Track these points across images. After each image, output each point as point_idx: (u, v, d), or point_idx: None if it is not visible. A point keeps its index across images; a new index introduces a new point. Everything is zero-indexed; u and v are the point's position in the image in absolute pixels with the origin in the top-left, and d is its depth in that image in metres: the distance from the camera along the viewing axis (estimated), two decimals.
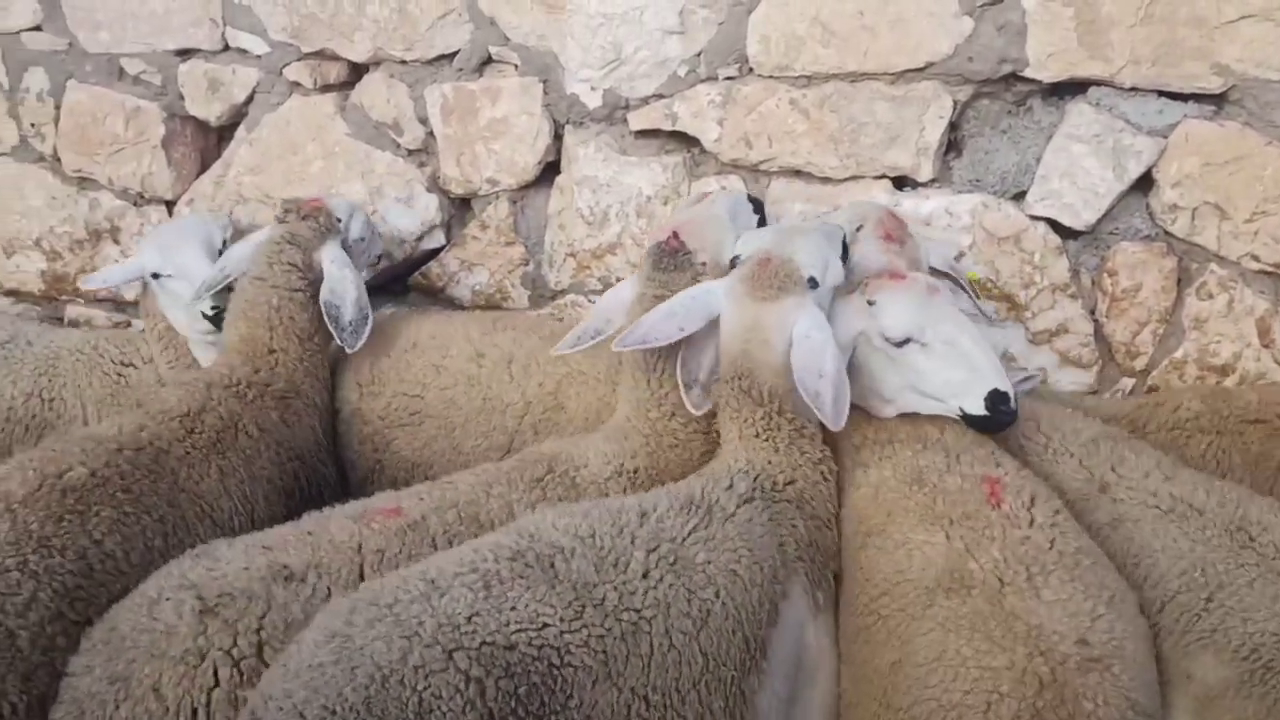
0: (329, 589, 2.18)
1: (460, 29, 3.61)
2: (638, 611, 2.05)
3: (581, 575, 2.05)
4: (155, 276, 3.37)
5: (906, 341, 2.52)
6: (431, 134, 3.76)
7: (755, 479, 2.43)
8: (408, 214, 3.82)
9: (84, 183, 4.20)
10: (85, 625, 2.21)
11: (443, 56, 3.67)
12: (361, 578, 2.22)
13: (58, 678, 2.13)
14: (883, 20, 3.19)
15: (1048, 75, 3.12)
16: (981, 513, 2.37)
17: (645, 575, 2.12)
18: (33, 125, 4.17)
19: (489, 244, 3.78)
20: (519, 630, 1.90)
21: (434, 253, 3.89)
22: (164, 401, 2.88)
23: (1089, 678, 2.12)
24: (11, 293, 4.40)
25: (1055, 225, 3.25)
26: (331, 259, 3.18)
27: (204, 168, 4.14)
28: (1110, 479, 2.68)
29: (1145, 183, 3.17)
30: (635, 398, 2.75)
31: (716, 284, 2.60)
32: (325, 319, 3.11)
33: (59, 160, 4.19)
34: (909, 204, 3.33)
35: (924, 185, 3.34)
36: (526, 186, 3.73)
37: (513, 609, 1.93)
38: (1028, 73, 3.13)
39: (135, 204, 4.14)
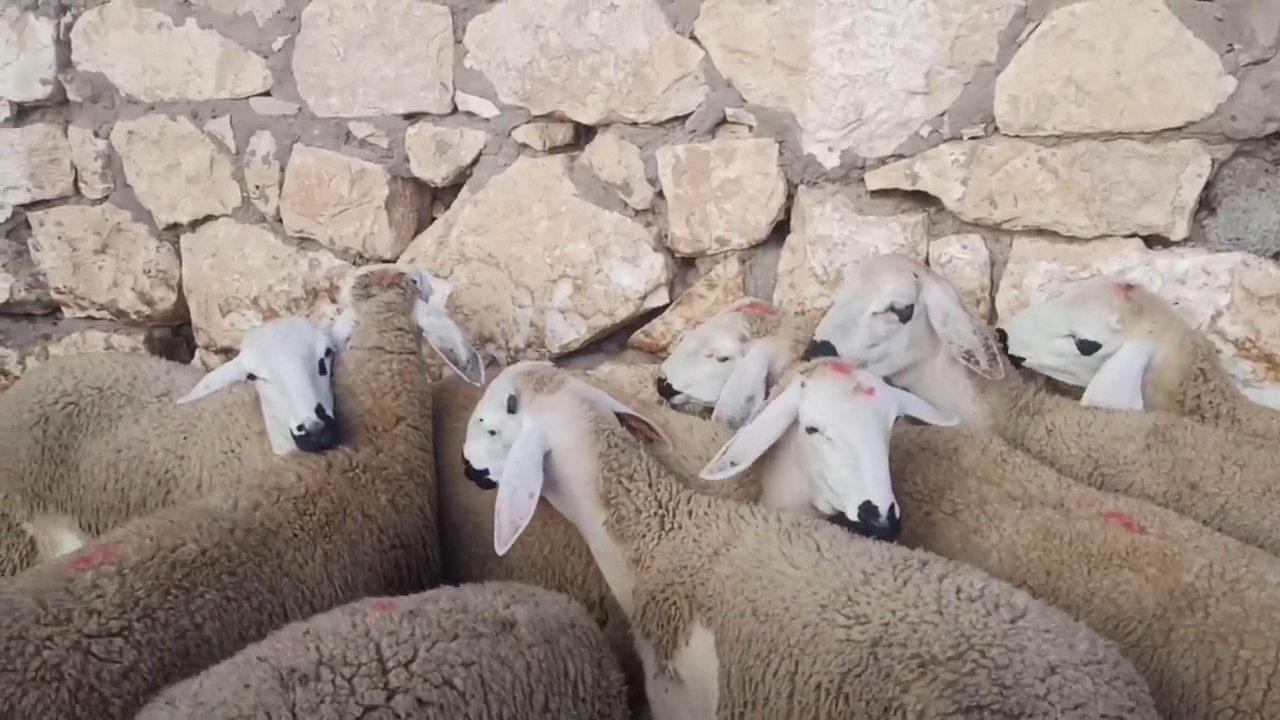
0: (349, 682, 1.95)
1: (695, 91, 3.68)
2: None
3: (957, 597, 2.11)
4: (251, 378, 3.17)
5: (813, 430, 2.58)
6: (660, 194, 3.81)
7: None
8: (633, 272, 3.87)
9: (304, 243, 4.31)
10: None
11: (675, 118, 3.73)
12: (382, 663, 2.01)
13: None
14: (1140, 80, 3.20)
15: None
16: (1141, 540, 2.41)
17: None
18: (257, 187, 4.30)
19: (716, 302, 3.80)
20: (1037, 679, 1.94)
21: (656, 311, 3.92)
22: (283, 478, 2.87)
23: None
24: (224, 350, 4.50)
25: None
26: (427, 314, 3.33)
27: (420, 228, 4.24)
28: (1195, 479, 2.77)
29: None
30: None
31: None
32: (445, 362, 3.25)
33: (280, 221, 4.31)
34: (1163, 262, 3.29)
35: (1177, 244, 3.31)
36: (756, 245, 3.76)
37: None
38: None
39: (354, 263, 4.24)
